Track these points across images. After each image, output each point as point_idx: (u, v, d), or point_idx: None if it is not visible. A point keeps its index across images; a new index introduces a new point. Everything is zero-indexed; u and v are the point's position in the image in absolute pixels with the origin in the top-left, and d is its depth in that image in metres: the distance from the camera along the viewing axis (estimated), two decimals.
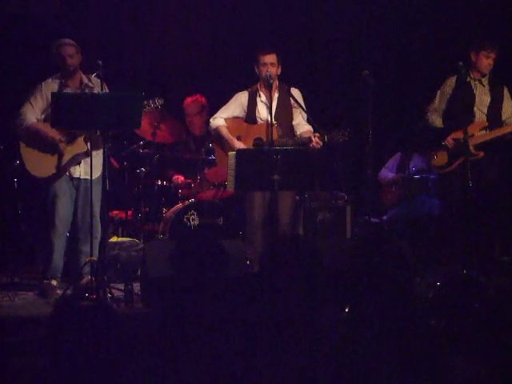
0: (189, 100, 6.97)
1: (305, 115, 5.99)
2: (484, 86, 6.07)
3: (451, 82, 6.16)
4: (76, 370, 2.45)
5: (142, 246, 6.25)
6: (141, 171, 6.71)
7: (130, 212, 6.82)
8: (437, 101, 6.19)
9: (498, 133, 6.01)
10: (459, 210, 5.94)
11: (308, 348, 2.74)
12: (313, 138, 5.69)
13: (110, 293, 5.18)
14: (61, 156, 5.52)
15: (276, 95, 5.92)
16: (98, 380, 2.46)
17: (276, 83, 5.89)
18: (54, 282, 5.55)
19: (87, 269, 5.39)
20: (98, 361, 2.47)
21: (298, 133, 5.97)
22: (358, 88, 5.93)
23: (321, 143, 5.70)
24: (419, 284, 5.08)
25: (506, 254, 6.41)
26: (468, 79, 6.08)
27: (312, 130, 5.89)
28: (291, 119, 6.00)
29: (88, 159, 5.37)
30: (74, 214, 5.66)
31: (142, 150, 6.77)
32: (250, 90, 6.04)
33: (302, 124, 6.01)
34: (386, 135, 6.15)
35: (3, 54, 6.98)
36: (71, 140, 5.52)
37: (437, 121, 6.18)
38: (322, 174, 6.00)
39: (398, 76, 7.33)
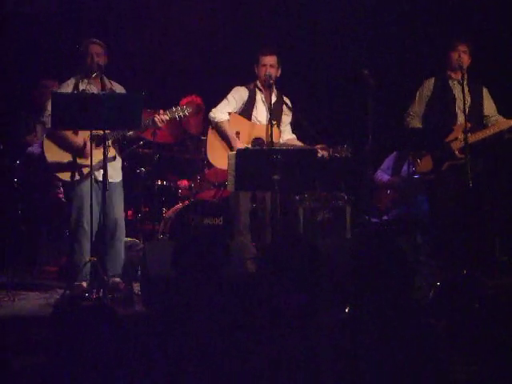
0: (184, 101, 6.94)
1: (289, 120, 6.17)
2: (463, 86, 5.82)
3: (429, 84, 6.09)
4: (76, 370, 2.46)
5: (141, 246, 6.24)
6: (141, 171, 6.71)
7: (129, 212, 6.82)
8: (416, 104, 6.10)
9: (484, 134, 5.89)
10: (456, 212, 5.89)
11: (308, 348, 2.74)
12: (319, 150, 5.78)
13: (110, 293, 5.17)
14: (86, 159, 5.44)
15: (274, 99, 5.95)
16: (97, 380, 2.46)
17: (274, 87, 5.92)
18: (84, 284, 5.48)
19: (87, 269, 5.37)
20: (98, 361, 2.47)
21: (284, 138, 6.11)
22: (358, 88, 5.93)
23: (326, 155, 5.92)
24: (419, 284, 5.08)
25: (505, 254, 6.41)
26: (446, 79, 6.04)
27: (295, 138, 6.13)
28: (280, 123, 6.10)
29: (113, 163, 5.51)
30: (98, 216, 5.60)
31: (142, 150, 6.77)
32: (248, 86, 6.05)
33: (287, 131, 6.18)
34: (386, 135, 6.12)
35: (3, 53, 6.97)
36: (99, 143, 5.42)
37: (416, 124, 6.06)
38: (322, 174, 6.01)
39: (398, 76, 7.32)
